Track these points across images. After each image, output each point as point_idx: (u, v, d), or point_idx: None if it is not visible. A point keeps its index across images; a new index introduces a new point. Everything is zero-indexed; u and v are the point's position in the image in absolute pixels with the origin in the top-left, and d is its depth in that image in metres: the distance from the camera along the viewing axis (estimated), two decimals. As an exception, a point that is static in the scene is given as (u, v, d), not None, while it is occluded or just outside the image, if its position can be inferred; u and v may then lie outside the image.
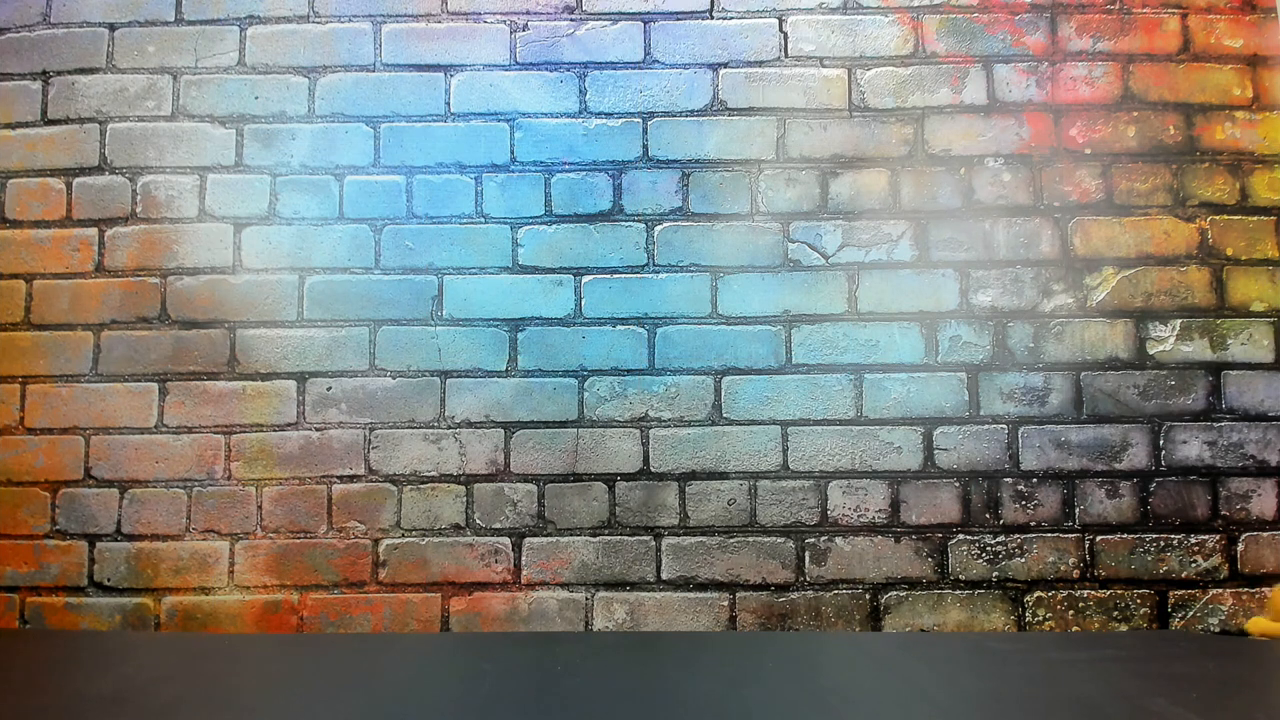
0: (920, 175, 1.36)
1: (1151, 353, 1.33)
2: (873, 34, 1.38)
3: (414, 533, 1.31)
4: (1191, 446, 1.31)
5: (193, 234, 1.36)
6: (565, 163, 1.37)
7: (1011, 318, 1.34)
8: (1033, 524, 1.30)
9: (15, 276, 1.36)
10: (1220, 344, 1.33)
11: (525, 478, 1.32)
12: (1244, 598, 1.29)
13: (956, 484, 1.31)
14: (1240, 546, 1.29)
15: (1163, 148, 1.36)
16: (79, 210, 1.37)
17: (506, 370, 1.34)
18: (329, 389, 1.34)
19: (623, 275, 1.35)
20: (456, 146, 1.37)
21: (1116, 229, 1.35)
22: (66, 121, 1.38)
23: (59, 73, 1.39)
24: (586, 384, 1.33)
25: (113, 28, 1.39)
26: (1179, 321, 1.33)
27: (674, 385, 1.33)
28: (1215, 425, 1.32)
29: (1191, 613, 1.29)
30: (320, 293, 1.35)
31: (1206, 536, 1.30)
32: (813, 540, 1.30)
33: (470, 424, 1.33)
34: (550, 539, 1.31)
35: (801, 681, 0.41)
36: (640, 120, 1.37)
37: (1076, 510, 1.30)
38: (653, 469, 1.32)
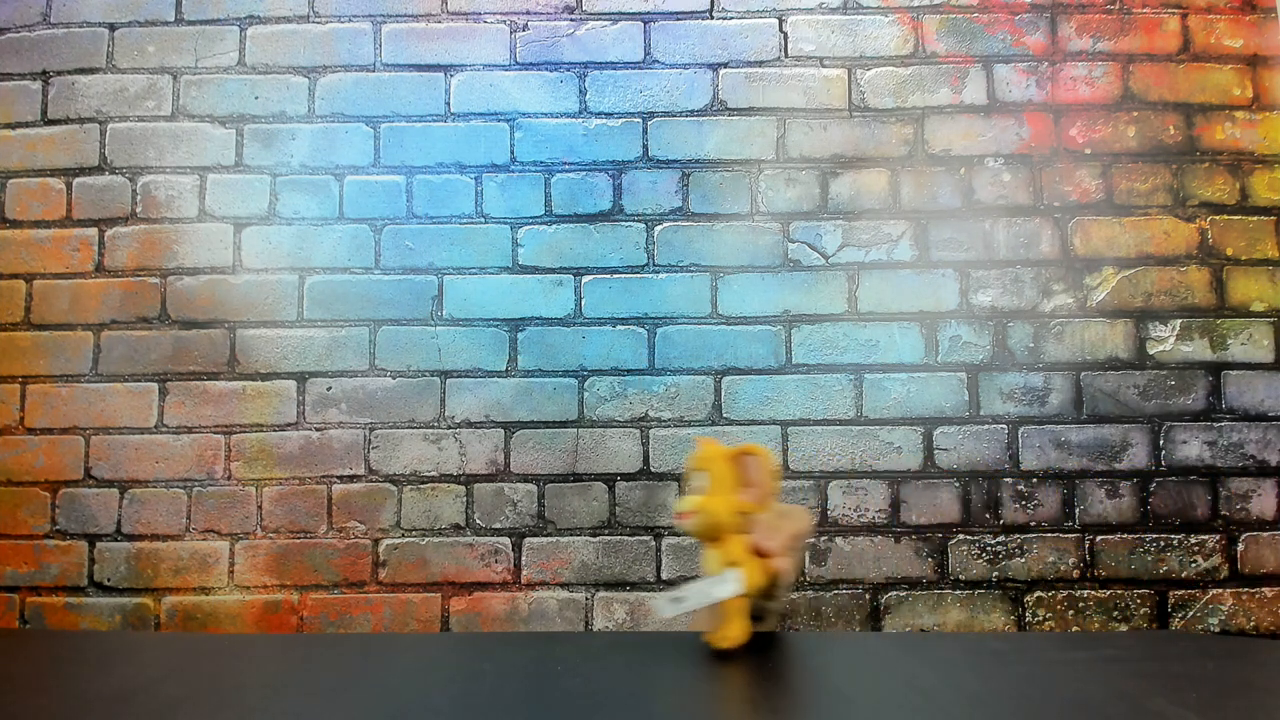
0: (920, 175, 1.36)
1: (1151, 353, 1.33)
2: (873, 34, 1.38)
3: (414, 533, 1.31)
4: (1191, 446, 1.31)
5: (193, 234, 1.36)
6: (565, 163, 1.37)
7: (1011, 318, 1.34)
8: (1033, 524, 1.30)
9: (15, 276, 1.36)
10: (1220, 344, 1.33)
11: (525, 478, 1.32)
12: (1244, 598, 1.29)
13: (956, 484, 1.31)
14: (1240, 546, 1.29)
15: (1163, 148, 1.36)
16: (79, 210, 1.37)
17: (506, 370, 1.34)
18: (329, 389, 1.34)
19: (623, 275, 1.35)
20: (456, 146, 1.37)
21: (1116, 229, 1.35)
22: (66, 121, 1.38)
23: (59, 73, 1.39)
24: (586, 384, 1.33)
25: (113, 28, 1.39)
26: (1179, 321, 1.33)
27: (674, 385, 1.33)
28: (1215, 425, 1.32)
29: (1191, 613, 1.29)
30: (320, 293, 1.35)
31: (1206, 536, 1.30)
32: (813, 540, 1.30)
33: (470, 424, 1.33)
34: (550, 539, 1.31)
35: (801, 681, 0.41)
36: (640, 120, 1.37)
37: (1076, 510, 1.30)
38: (653, 469, 1.32)
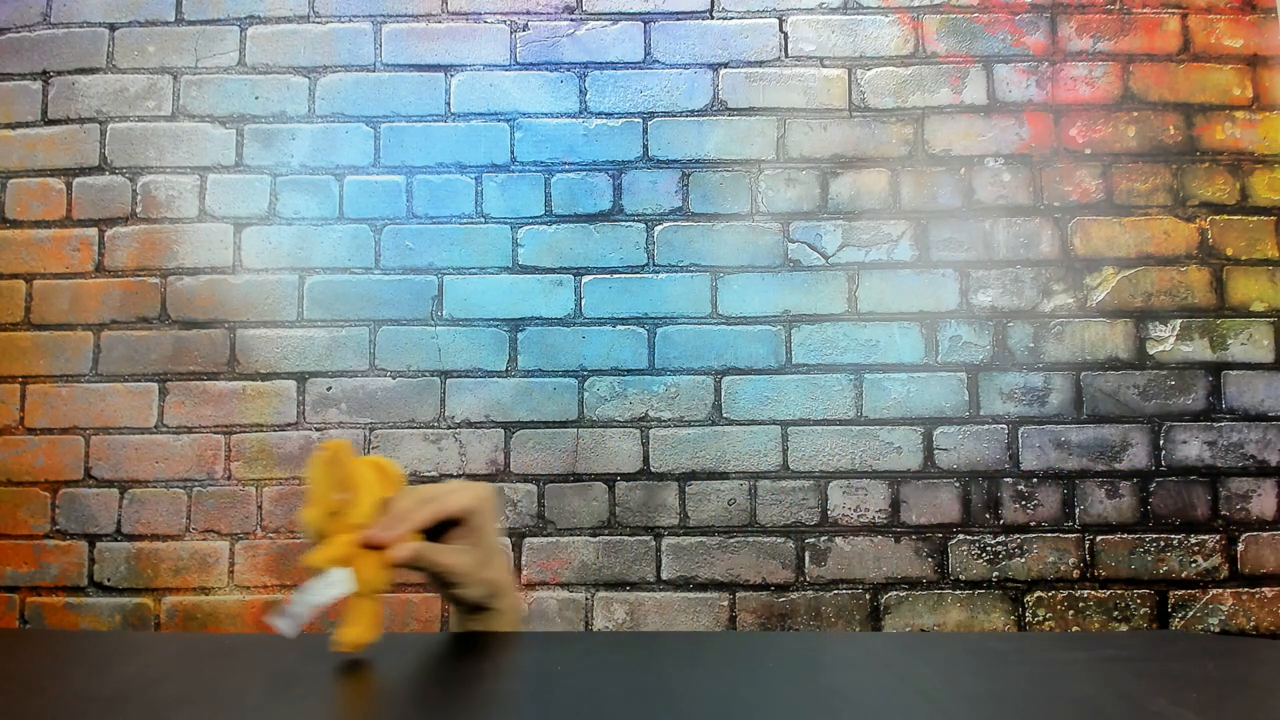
0: (920, 175, 1.36)
1: (1151, 353, 1.33)
2: (873, 34, 1.38)
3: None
4: (1191, 446, 1.31)
5: (193, 234, 1.36)
6: (565, 163, 1.37)
7: (1011, 318, 1.34)
8: (1033, 524, 1.30)
9: (15, 276, 1.36)
10: (1220, 344, 1.33)
11: (525, 478, 1.32)
12: (1244, 598, 1.29)
13: (956, 484, 1.31)
14: (1240, 546, 1.29)
15: (1163, 148, 1.36)
16: (79, 210, 1.37)
17: (506, 370, 1.34)
18: (329, 389, 1.34)
19: (623, 275, 1.35)
20: (456, 146, 1.37)
21: (1116, 229, 1.35)
22: (66, 121, 1.38)
23: (59, 73, 1.39)
24: (586, 384, 1.33)
25: (113, 28, 1.39)
26: (1179, 321, 1.33)
27: (674, 385, 1.33)
28: (1215, 425, 1.32)
29: (1191, 613, 1.29)
30: (320, 293, 1.35)
31: (1206, 536, 1.30)
32: (813, 540, 1.30)
33: (470, 424, 1.33)
34: (550, 539, 1.31)
35: (801, 681, 0.41)
36: (640, 120, 1.37)
37: (1076, 510, 1.30)
38: (653, 469, 1.32)
